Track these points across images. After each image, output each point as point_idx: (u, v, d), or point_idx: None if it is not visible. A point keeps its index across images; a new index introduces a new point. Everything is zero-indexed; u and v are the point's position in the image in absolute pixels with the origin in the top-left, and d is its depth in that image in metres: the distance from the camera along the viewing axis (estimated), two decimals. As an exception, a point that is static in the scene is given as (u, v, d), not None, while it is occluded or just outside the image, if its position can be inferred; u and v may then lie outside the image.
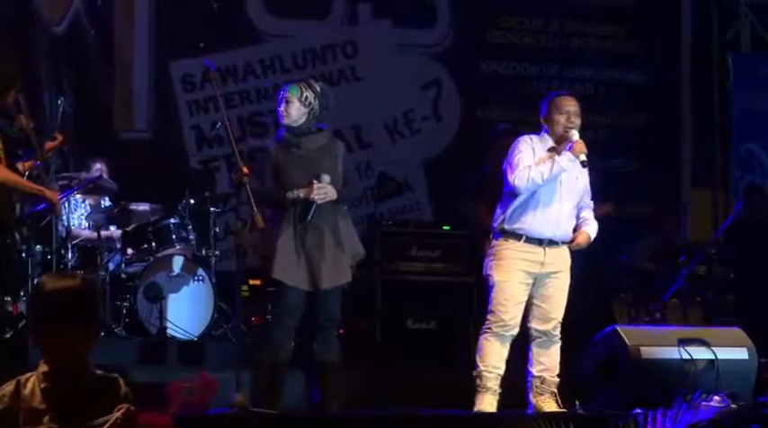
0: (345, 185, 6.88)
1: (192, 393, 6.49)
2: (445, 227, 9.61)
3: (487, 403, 6.82)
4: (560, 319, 6.94)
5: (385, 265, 9.40)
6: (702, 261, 9.74)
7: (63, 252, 8.58)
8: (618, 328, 7.12)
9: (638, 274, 10.13)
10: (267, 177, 6.81)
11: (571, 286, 7.00)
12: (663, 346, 6.94)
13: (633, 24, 11.77)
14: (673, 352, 6.89)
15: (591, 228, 7.06)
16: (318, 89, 6.91)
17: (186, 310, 8.66)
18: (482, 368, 6.86)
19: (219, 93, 7.34)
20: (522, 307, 6.90)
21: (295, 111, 6.86)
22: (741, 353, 7.04)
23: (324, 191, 6.72)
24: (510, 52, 11.45)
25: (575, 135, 6.87)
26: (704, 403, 6.59)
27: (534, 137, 7.00)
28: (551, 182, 6.84)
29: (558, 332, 6.95)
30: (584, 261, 7.35)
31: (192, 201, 9.06)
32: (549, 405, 6.87)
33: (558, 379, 6.95)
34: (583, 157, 6.82)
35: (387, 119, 11.11)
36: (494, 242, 6.99)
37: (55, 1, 10.12)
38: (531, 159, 6.86)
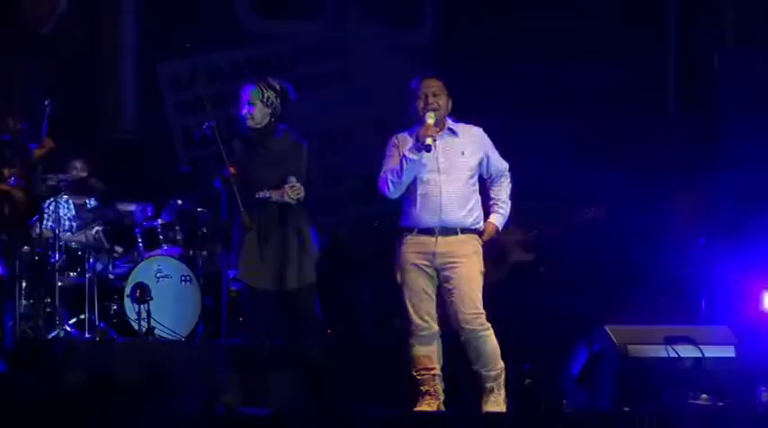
0: (309, 186, 6.88)
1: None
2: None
3: (425, 405, 6.72)
4: (475, 311, 6.66)
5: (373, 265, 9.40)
6: (689, 260, 9.74)
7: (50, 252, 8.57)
8: (605, 327, 7.12)
9: (625, 273, 10.12)
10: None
11: (560, 284, 6.95)
12: (650, 345, 6.95)
13: (619, 21, 11.77)
14: (660, 351, 6.89)
15: (497, 216, 6.86)
16: (278, 86, 6.95)
17: (174, 311, 8.66)
18: (414, 373, 6.77)
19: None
20: (431, 299, 6.73)
21: (259, 112, 6.90)
22: (728, 352, 7.05)
23: (297, 189, 6.74)
24: (499, 51, 11.43)
25: (429, 117, 6.67)
26: (691, 401, 6.62)
27: (405, 133, 6.80)
28: (423, 168, 6.65)
29: (476, 325, 6.65)
30: (575, 260, 7.34)
31: (180, 202, 9.07)
32: (486, 402, 6.68)
33: (495, 373, 6.69)
34: (428, 141, 6.57)
35: (377, 119, 11.08)
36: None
37: (40, 2, 10.10)
38: (393, 161, 6.72)
